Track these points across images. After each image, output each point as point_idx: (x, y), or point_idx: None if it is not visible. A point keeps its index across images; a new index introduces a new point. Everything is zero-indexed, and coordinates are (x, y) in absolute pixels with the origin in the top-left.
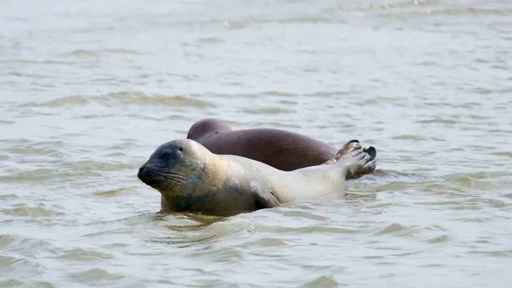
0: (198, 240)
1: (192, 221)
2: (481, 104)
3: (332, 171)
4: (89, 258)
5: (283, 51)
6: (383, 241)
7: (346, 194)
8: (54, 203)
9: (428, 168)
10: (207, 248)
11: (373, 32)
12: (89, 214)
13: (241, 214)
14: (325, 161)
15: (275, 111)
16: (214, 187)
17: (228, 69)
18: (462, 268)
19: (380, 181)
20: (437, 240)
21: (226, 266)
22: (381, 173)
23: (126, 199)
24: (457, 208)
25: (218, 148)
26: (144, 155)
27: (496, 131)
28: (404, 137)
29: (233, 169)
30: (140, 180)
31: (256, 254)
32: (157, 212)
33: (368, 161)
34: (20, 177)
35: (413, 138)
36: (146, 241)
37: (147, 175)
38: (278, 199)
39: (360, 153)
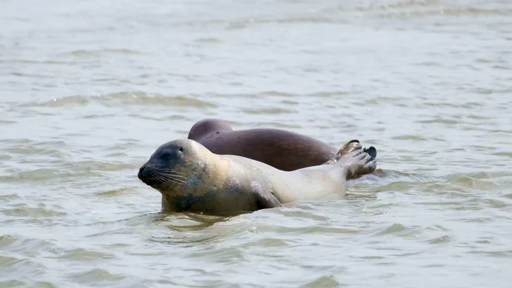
0: (199, 240)
1: (193, 221)
2: (482, 104)
3: (333, 171)
4: (90, 258)
5: (284, 51)
6: (384, 242)
7: (347, 194)
8: (55, 203)
9: (429, 168)
10: (208, 248)
11: (374, 32)
12: (90, 214)
13: (242, 214)
14: (326, 161)
15: (276, 111)
16: (214, 187)
17: (229, 69)
18: (463, 268)
19: (381, 181)
20: (438, 240)
21: (227, 267)
22: (382, 173)
23: (127, 199)
24: (458, 208)
25: (219, 148)
26: (145, 155)
27: (497, 131)
28: (405, 137)
29: (234, 169)
30: (141, 181)
31: (257, 255)
32: (158, 212)
33: (368, 161)
34: (21, 177)
35: (414, 138)
36: (147, 241)
37: (147, 175)
38: (279, 199)
39: (360, 153)
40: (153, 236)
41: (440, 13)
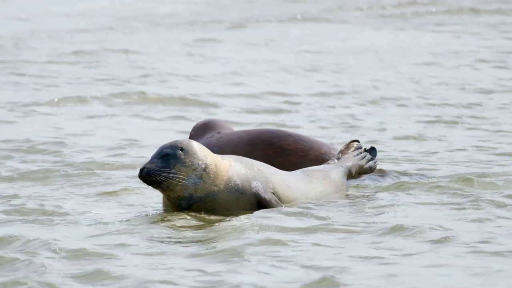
0: (201, 241)
1: (194, 222)
2: (484, 104)
3: (333, 171)
4: (91, 258)
5: (285, 51)
6: (385, 242)
7: (348, 195)
8: (56, 204)
9: (431, 168)
10: (209, 248)
11: (375, 32)
12: (91, 214)
13: (243, 215)
14: (326, 161)
15: (278, 111)
16: (215, 188)
17: (230, 69)
18: (465, 268)
19: (382, 181)
20: (439, 240)
21: (228, 267)
22: (383, 173)
23: (128, 200)
24: (460, 209)
25: (220, 148)
26: (146, 155)
27: (499, 131)
28: (406, 137)
29: (235, 169)
30: (141, 181)
31: (259, 255)
32: (159, 213)
33: (369, 161)
34: (23, 177)
35: (416, 138)
36: (148, 241)
37: (147, 176)
38: (279, 199)
39: (361, 153)
40: (154, 236)
41: (441, 13)
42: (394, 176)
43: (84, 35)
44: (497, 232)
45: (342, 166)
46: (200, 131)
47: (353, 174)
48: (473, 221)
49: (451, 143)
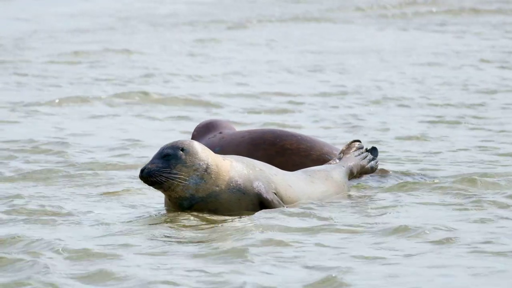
0: (203, 241)
1: (197, 222)
2: (486, 104)
3: (335, 171)
4: (94, 259)
5: (287, 51)
6: (388, 242)
7: (350, 195)
8: (59, 204)
9: (433, 168)
10: (212, 249)
11: (378, 33)
12: (94, 214)
13: (245, 215)
14: (328, 161)
15: (280, 111)
16: (217, 188)
17: (233, 69)
18: (468, 269)
19: (383, 181)
20: (442, 241)
21: (231, 267)
22: (384, 173)
23: (131, 200)
24: (463, 209)
25: (222, 148)
26: (148, 155)
27: (502, 131)
28: (409, 137)
29: (236, 169)
30: (142, 181)
31: (262, 255)
32: (162, 213)
33: (370, 161)
34: (26, 178)
35: (418, 138)
36: (151, 242)
37: (148, 176)
38: (281, 199)
39: (362, 153)
40: (157, 237)
41: (442, 13)
42: (396, 176)
43: (86, 35)
44: (499, 232)
45: (343, 166)
46: (202, 131)
47: (355, 174)
48: (475, 221)
49: (453, 143)
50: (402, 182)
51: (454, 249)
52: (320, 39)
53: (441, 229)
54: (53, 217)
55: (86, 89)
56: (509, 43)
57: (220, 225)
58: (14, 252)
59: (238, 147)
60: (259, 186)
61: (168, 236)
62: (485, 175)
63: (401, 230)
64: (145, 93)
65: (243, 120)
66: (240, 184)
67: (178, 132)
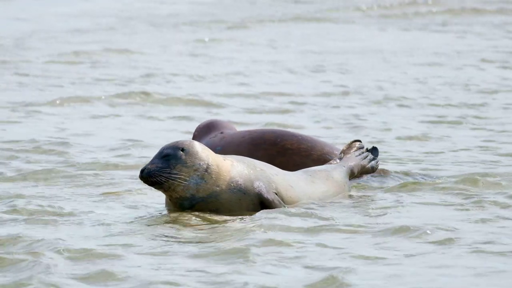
0: (205, 241)
1: (198, 222)
2: (488, 104)
3: (336, 171)
4: (96, 259)
5: (289, 52)
6: (389, 242)
7: (351, 195)
8: (60, 204)
9: (435, 168)
10: (213, 249)
11: (379, 33)
12: (95, 215)
13: (246, 215)
14: (329, 161)
15: (282, 111)
16: (217, 188)
17: (234, 69)
18: (469, 269)
19: (384, 181)
20: (444, 241)
21: (233, 267)
22: (385, 173)
23: (133, 200)
24: (464, 209)
25: (223, 147)
26: (150, 155)
27: (504, 131)
28: (410, 137)
29: (237, 169)
30: (142, 182)
31: (263, 255)
32: (163, 213)
33: (371, 161)
34: (27, 178)
35: (420, 138)
36: (152, 242)
37: (148, 176)
38: (282, 199)
39: (363, 153)
40: (158, 237)
41: (444, 13)
42: (397, 176)
43: (86, 35)
44: (501, 232)
45: (344, 166)
46: (203, 132)
47: (355, 174)
48: (477, 221)
49: (455, 143)
50: (403, 182)
51: (455, 249)
52: (322, 39)
53: (442, 229)
54: (54, 217)
55: (87, 89)
56: (510, 43)
57: (221, 225)
58: (15, 252)
59: (239, 147)
60: (260, 186)
61: (169, 236)
62: (486, 175)
63: (402, 230)
64: (146, 93)
65: (244, 120)
66: (240, 184)
67: (179, 132)
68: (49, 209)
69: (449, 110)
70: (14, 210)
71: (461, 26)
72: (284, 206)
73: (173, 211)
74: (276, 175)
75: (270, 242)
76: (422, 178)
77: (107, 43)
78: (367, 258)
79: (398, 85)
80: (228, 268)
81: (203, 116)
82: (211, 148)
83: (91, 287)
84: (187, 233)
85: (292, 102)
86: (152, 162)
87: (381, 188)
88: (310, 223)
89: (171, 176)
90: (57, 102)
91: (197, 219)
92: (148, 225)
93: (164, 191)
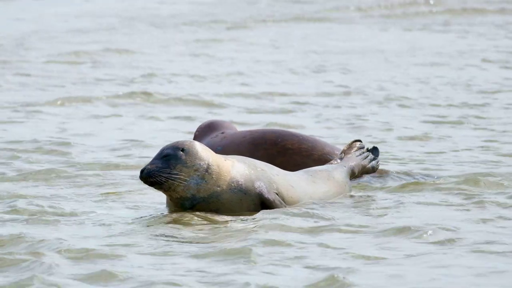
0: (206, 241)
1: (200, 222)
2: (489, 104)
3: (336, 171)
4: (97, 259)
5: (290, 52)
6: (390, 242)
7: (352, 195)
8: (61, 204)
9: (436, 168)
10: (215, 249)
11: (381, 33)
12: (97, 215)
13: (247, 215)
14: (329, 161)
15: (283, 111)
16: (218, 188)
17: (235, 69)
18: (470, 269)
19: (385, 181)
20: (445, 241)
21: (234, 267)
22: (385, 173)
23: (134, 200)
24: (465, 209)
25: (223, 147)
26: (151, 155)
27: (505, 131)
28: (412, 137)
29: (238, 169)
30: (142, 182)
31: (264, 255)
32: (164, 213)
33: (371, 160)
34: (28, 178)
35: (421, 138)
36: (153, 242)
37: (148, 177)
38: (283, 199)
39: (363, 153)
40: (159, 237)
41: (446, 13)
42: (397, 176)
43: (87, 35)
44: (502, 232)
45: (345, 166)
46: (204, 132)
47: (356, 174)
48: (478, 221)
49: (456, 144)
50: (404, 182)
51: (456, 249)
52: (323, 39)
53: (443, 230)
54: (55, 218)
55: (88, 89)
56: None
57: (222, 225)
58: (16, 253)
59: (239, 147)
60: (261, 186)
61: (170, 237)
62: (487, 175)
63: (403, 231)
64: (147, 94)
65: (245, 120)
66: (241, 184)
67: (180, 132)
68: (50, 209)
69: (451, 110)
70: (15, 210)
71: (463, 26)
72: (285, 206)
73: (174, 211)
74: (277, 175)
75: (271, 242)
76: (423, 178)
77: (107, 43)
78: (368, 258)
79: (399, 85)
80: (229, 268)
81: (204, 116)
82: (211, 148)
83: (93, 287)
84: (188, 233)
85: (294, 102)
86: (152, 162)
87: (382, 188)
88: (311, 223)
89: (171, 176)
90: (58, 102)
91: (198, 219)
92: (149, 225)
93: (164, 191)
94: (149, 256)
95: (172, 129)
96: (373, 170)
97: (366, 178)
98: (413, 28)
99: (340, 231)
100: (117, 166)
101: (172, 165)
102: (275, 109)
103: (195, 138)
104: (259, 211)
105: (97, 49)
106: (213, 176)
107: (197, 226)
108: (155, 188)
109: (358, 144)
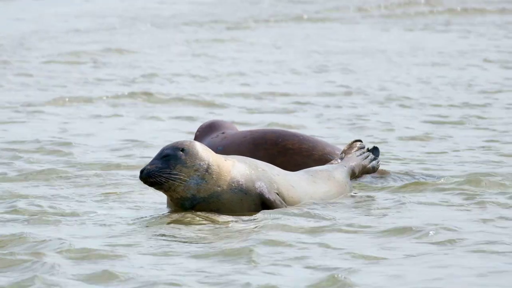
0: (207, 242)
1: (201, 222)
2: (490, 104)
3: (337, 171)
4: (98, 259)
5: (292, 52)
6: (391, 242)
7: (352, 195)
8: (62, 204)
9: (437, 168)
10: (215, 249)
11: (382, 33)
12: (98, 215)
13: (248, 215)
14: (330, 161)
15: (285, 111)
16: (218, 188)
17: (237, 69)
18: (471, 269)
19: (385, 181)
20: (446, 241)
21: (235, 267)
22: (386, 173)
23: (135, 200)
24: (466, 209)
25: (224, 147)
26: (152, 155)
27: (506, 131)
28: (413, 137)
29: (238, 169)
30: (142, 182)
31: (265, 255)
32: (165, 213)
33: (372, 160)
34: (29, 178)
35: (422, 138)
36: (154, 242)
37: (147, 177)
38: (284, 200)
39: (364, 153)
40: (160, 237)
41: (448, 13)
42: (398, 176)
43: (87, 35)
44: (503, 233)
45: (345, 166)
46: (205, 132)
47: (357, 174)
48: (479, 222)
49: (457, 144)
50: (404, 182)
51: (457, 250)
52: (324, 39)
53: (444, 230)
54: (56, 218)
55: (89, 90)
56: None
57: (222, 225)
58: (18, 253)
59: (240, 147)
60: (261, 186)
61: (171, 237)
62: (489, 175)
63: (404, 231)
64: (148, 94)
65: (247, 120)
66: (242, 184)
67: (181, 132)
68: (51, 209)
69: (452, 110)
70: (16, 210)
71: (463, 26)
72: (286, 206)
73: (175, 212)
74: (278, 175)
75: (272, 242)
76: (424, 178)
77: (108, 43)
78: (369, 258)
79: (400, 85)
80: (230, 268)
81: (205, 116)
82: (212, 148)
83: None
84: (189, 233)
85: (295, 102)
86: (152, 162)
87: (383, 188)
88: (311, 223)
89: (171, 177)
90: (59, 102)
91: (199, 219)
92: (150, 226)
93: (165, 191)
94: (150, 256)
95: (173, 129)
96: (373, 170)
97: (367, 178)
98: (414, 28)
99: (341, 231)
100: (118, 166)
101: (172, 165)
102: (276, 109)
103: (196, 138)
104: (259, 211)
105: (98, 49)
106: (213, 176)
107: (198, 226)
108: (155, 188)
109: (358, 144)
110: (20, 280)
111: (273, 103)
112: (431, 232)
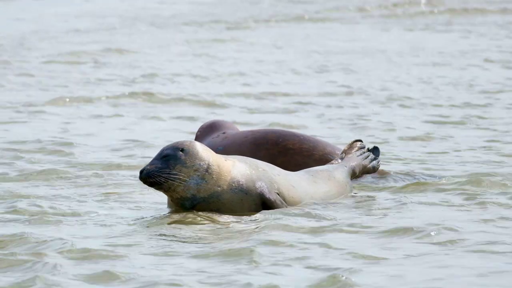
0: (208, 242)
1: (201, 223)
2: (491, 104)
3: (337, 171)
4: (99, 259)
5: (293, 52)
6: (392, 242)
7: (353, 195)
8: (62, 204)
9: (438, 169)
10: (216, 249)
11: (383, 33)
12: (99, 215)
13: (249, 215)
14: (330, 161)
15: (285, 111)
16: (219, 188)
17: (238, 69)
18: (472, 269)
19: (385, 181)
20: (446, 241)
21: (236, 268)
22: (386, 173)
23: (136, 200)
24: (467, 210)
25: (225, 147)
26: (153, 156)
27: (507, 131)
28: (414, 137)
29: (239, 169)
30: (142, 182)
31: (266, 255)
32: (165, 213)
33: (372, 160)
34: (30, 178)
35: (423, 138)
36: (155, 242)
37: (147, 177)
38: (284, 200)
39: (364, 152)
40: (160, 237)
41: (448, 13)
42: (398, 176)
43: (87, 35)
44: (504, 233)
45: (346, 166)
46: (206, 132)
47: (357, 174)
48: (480, 222)
49: (458, 144)
50: (405, 182)
51: (458, 250)
52: (325, 39)
53: (445, 230)
54: (57, 218)
55: (89, 90)
56: None
57: (223, 225)
58: (19, 253)
59: (241, 147)
60: (262, 186)
61: (172, 237)
62: (490, 175)
63: (405, 231)
64: (149, 94)
65: (248, 120)
66: (242, 184)
67: (182, 132)
68: (51, 209)
69: (453, 110)
70: (17, 210)
71: (464, 26)
72: (286, 206)
73: (176, 212)
74: (278, 175)
75: (273, 242)
76: (425, 179)
77: (108, 43)
78: (370, 258)
79: (401, 85)
80: (231, 268)
81: (206, 116)
82: (212, 148)
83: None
84: (189, 233)
85: (296, 102)
86: (151, 162)
87: (384, 188)
88: (312, 223)
89: (170, 177)
90: (60, 102)
91: (200, 219)
92: (151, 226)
93: (165, 191)
94: (151, 256)
95: (174, 129)
96: (373, 170)
97: (367, 178)
98: (414, 28)
99: (341, 231)
100: (118, 166)
101: (171, 165)
102: (277, 109)
103: (197, 138)
104: (260, 211)
105: (98, 49)
106: (214, 176)
107: (198, 226)
108: (155, 188)
109: (358, 144)
110: (21, 280)
111: (274, 103)
112: (432, 233)
